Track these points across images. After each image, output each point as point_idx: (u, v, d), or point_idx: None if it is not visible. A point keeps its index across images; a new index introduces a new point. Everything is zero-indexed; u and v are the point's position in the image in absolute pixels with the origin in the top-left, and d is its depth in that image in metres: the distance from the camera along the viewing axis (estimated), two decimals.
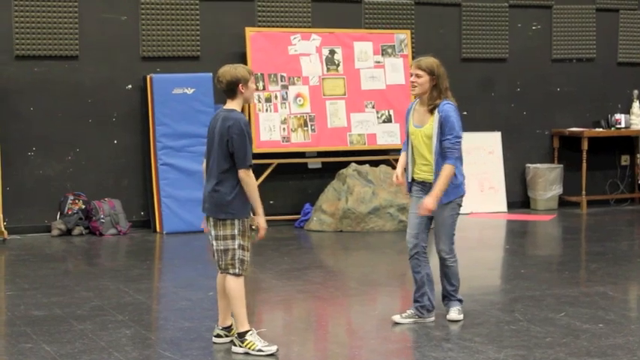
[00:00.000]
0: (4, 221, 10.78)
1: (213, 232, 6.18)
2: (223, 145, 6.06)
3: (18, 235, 10.91)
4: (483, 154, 12.92)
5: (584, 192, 13.01)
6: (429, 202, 6.59)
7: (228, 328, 6.35)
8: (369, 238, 10.94)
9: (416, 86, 6.73)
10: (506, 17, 13.11)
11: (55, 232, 10.97)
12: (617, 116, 13.33)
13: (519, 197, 13.28)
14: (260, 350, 6.08)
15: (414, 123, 6.81)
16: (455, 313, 6.91)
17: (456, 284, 6.95)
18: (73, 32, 11.20)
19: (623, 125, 13.31)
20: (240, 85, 6.13)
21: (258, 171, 11.62)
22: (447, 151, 6.60)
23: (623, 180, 13.79)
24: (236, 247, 6.12)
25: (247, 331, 6.14)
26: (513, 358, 5.94)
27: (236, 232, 6.11)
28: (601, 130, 13.28)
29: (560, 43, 13.42)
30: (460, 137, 6.62)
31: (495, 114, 13.14)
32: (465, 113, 12.94)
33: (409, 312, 6.88)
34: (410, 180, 6.86)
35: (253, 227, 6.22)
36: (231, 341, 6.23)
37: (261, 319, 7.43)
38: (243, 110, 6.38)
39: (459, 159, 6.72)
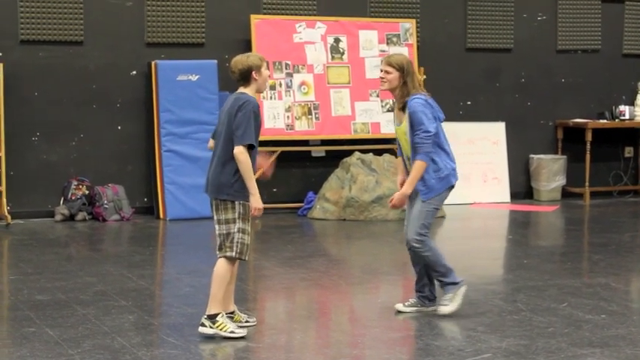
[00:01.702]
0: (7, 206, 10.80)
1: (215, 217, 6.19)
2: (231, 125, 6.08)
3: (21, 219, 10.92)
4: (487, 144, 12.91)
5: (587, 183, 13.00)
6: (397, 197, 6.63)
7: (231, 314, 6.36)
8: (372, 226, 10.95)
9: (385, 82, 6.69)
10: (512, 7, 13.09)
11: (58, 217, 10.98)
12: (622, 108, 13.32)
13: (523, 188, 13.28)
14: (232, 332, 6.12)
15: (395, 122, 6.81)
16: (444, 305, 6.72)
17: (441, 270, 6.72)
18: (78, 17, 11.19)
19: (627, 117, 13.30)
20: (254, 72, 6.17)
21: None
22: (416, 146, 6.55)
23: (627, 172, 13.78)
24: (236, 230, 6.12)
25: (218, 313, 6.16)
26: (515, 348, 5.94)
27: (236, 215, 6.12)
28: (605, 121, 13.27)
29: (566, 34, 13.40)
30: (429, 131, 6.52)
31: (500, 104, 13.13)
32: (469, 103, 12.96)
33: (411, 301, 6.89)
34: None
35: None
36: (201, 323, 6.20)
37: (264, 307, 7.45)
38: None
39: (444, 151, 6.66)
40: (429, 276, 6.87)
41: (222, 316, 6.18)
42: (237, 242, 6.13)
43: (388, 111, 12.11)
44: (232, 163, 6.09)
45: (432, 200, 6.66)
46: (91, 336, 6.16)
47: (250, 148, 6.07)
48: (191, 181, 11.14)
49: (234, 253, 6.14)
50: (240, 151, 6.03)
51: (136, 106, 11.49)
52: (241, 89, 6.23)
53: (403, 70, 6.63)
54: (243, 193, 6.12)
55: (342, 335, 6.49)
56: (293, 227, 10.92)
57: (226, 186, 6.11)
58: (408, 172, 6.76)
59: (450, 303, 6.75)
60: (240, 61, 6.20)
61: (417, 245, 6.69)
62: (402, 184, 6.80)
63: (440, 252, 6.78)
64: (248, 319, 6.46)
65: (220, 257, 6.21)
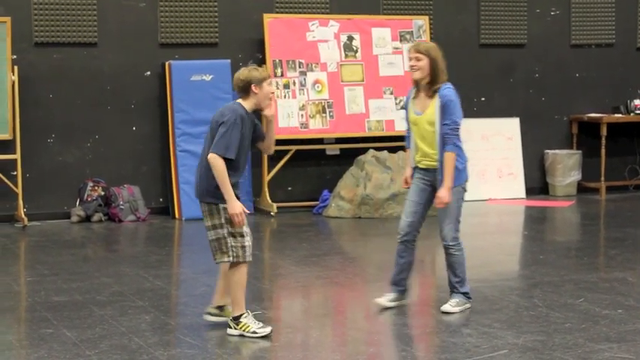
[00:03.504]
0: (23, 207, 10.84)
1: (204, 224, 6.24)
2: (213, 132, 6.15)
3: (38, 221, 10.97)
4: (502, 139, 12.89)
5: (603, 178, 12.96)
6: (444, 194, 6.57)
7: (221, 308, 6.42)
8: (387, 224, 10.94)
9: (416, 69, 6.64)
10: (525, 3, 13.06)
11: (74, 218, 11.02)
12: (637, 102, 13.27)
13: (538, 183, 13.25)
14: (254, 332, 6.16)
15: (415, 110, 6.72)
16: (450, 305, 6.73)
17: (461, 276, 6.75)
18: (92, 19, 11.23)
19: None
20: (253, 85, 6.18)
21: (276, 157, 11.67)
22: (445, 137, 6.55)
23: None
24: (227, 234, 6.16)
25: (242, 314, 6.20)
26: (532, 344, 5.94)
27: (223, 220, 6.15)
28: (620, 115, 13.23)
29: (579, 29, 13.36)
30: (459, 123, 6.55)
31: (514, 100, 13.11)
32: (483, 99, 12.94)
33: (392, 296, 6.90)
34: (413, 166, 6.83)
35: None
36: (228, 325, 6.26)
37: (280, 305, 7.46)
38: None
39: (459, 144, 6.67)
40: (409, 272, 6.88)
41: (246, 316, 6.20)
42: (232, 247, 6.16)
43: (402, 108, 12.11)
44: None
45: (456, 190, 6.63)
46: (108, 336, 6.18)
47: (226, 159, 6.04)
48: None
49: (231, 258, 6.17)
50: (212, 157, 6.06)
51: (151, 106, 11.52)
52: (239, 101, 6.26)
53: (431, 56, 6.61)
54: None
55: (359, 333, 6.49)
56: (308, 225, 10.92)
57: (211, 190, 6.15)
58: (411, 160, 6.74)
59: (455, 307, 6.74)
60: (241, 73, 6.25)
61: (451, 243, 6.70)
62: (409, 178, 6.80)
63: (465, 257, 6.82)
64: None
65: (219, 263, 6.26)
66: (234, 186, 6.15)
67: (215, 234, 6.18)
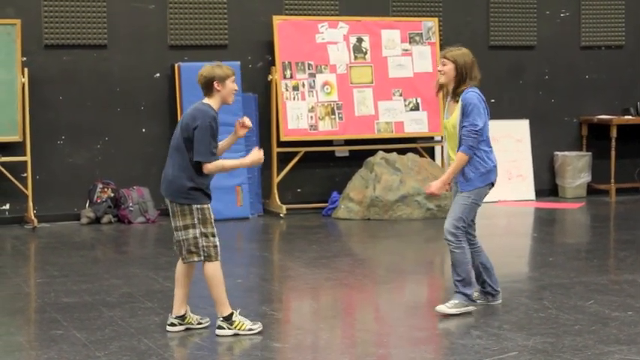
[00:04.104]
0: (33, 209, 10.86)
1: (173, 224, 6.31)
2: (184, 133, 6.21)
3: (47, 223, 10.98)
4: (511, 141, 12.87)
5: (613, 180, 12.93)
6: (435, 185, 6.71)
7: (182, 317, 6.40)
8: (396, 226, 10.94)
9: (442, 74, 6.80)
10: (535, 4, 13.04)
11: (84, 220, 11.03)
12: None
13: (547, 185, 13.23)
14: (250, 329, 6.22)
15: (446, 115, 6.88)
16: (445, 306, 6.69)
17: (462, 275, 6.70)
18: (102, 21, 11.25)
19: None
20: (216, 82, 6.25)
21: (285, 159, 11.67)
22: (462, 138, 6.63)
23: None
24: (198, 235, 6.22)
25: (232, 313, 6.24)
26: (542, 346, 5.93)
27: (195, 220, 6.21)
28: (630, 117, 13.19)
29: (589, 30, 13.33)
30: (476, 126, 6.58)
31: (523, 101, 13.09)
32: (493, 101, 12.90)
33: (476, 294, 6.93)
34: None
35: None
36: (218, 326, 6.27)
37: (290, 307, 7.46)
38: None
39: (490, 147, 6.69)
40: (486, 271, 6.88)
41: (237, 315, 6.26)
42: (202, 247, 6.23)
43: (411, 110, 12.11)
44: (188, 170, 6.18)
45: (470, 193, 6.66)
46: (118, 338, 6.20)
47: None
48: (214, 182, 10.90)
49: (202, 258, 6.23)
50: (207, 168, 6.17)
51: (160, 108, 11.53)
52: (205, 100, 6.32)
53: (457, 62, 6.72)
54: (200, 197, 6.22)
55: (368, 334, 6.49)
56: (317, 227, 10.92)
57: (183, 191, 6.20)
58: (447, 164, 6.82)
59: (451, 308, 6.69)
60: (205, 69, 6.31)
61: (450, 238, 6.70)
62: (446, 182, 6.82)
63: (470, 259, 6.75)
64: (200, 321, 6.47)
65: (186, 263, 6.30)
66: (207, 187, 6.26)
67: (185, 234, 6.24)
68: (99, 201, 11.11)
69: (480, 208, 6.84)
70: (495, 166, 6.75)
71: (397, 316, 6.78)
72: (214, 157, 6.19)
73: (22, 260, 9.29)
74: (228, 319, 6.25)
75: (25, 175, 10.88)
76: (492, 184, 6.79)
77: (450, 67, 6.74)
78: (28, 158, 10.79)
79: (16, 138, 10.76)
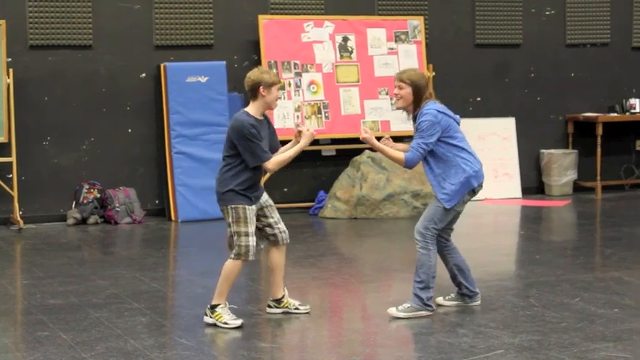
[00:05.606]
0: (19, 210, 10.83)
1: None
2: (226, 142, 6.49)
3: (33, 224, 10.95)
4: (498, 139, 12.90)
5: (598, 177, 12.97)
6: (370, 134, 6.69)
7: (279, 301, 6.77)
8: (383, 224, 10.95)
9: (399, 98, 6.73)
10: (520, 2, 13.07)
11: (70, 220, 11.01)
12: (632, 101, 13.28)
13: (534, 183, 13.26)
14: (226, 323, 6.41)
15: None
16: (395, 308, 6.67)
17: (422, 277, 6.62)
18: (87, 21, 11.22)
19: (637, 110, 13.26)
20: (262, 87, 6.44)
21: None
22: (411, 147, 6.61)
23: (638, 165, 13.75)
24: (233, 233, 6.47)
25: (219, 305, 6.47)
26: (528, 344, 5.94)
27: (231, 219, 6.47)
28: (616, 115, 13.24)
29: (574, 28, 13.37)
30: (423, 143, 6.53)
31: (509, 100, 13.11)
32: (479, 99, 12.95)
33: (452, 295, 6.96)
34: None
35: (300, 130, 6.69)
36: (205, 312, 6.56)
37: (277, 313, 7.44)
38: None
39: (467, 152, 6.62)
40: (461, 273, 6.86)
41: (222, 307, 6.47)
42: (236, 245, 6.47)
43: (398, 109, 12.09)
44: (226, 174, 6.47)
45: (438, 202, 6.65)
46: (104, 339, 6.18)
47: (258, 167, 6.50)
48: (202, 182, 11.16)
49: (232, 255, 6.49)
50: (268, 169, 6.52)
51: (146, 108, 11.51)
52: (250, 105, 6.54)
53: (414, 85, 6.65)
54: (234, 199, 6.45)
55: (355, 334, 6.49)
56: (304, 227, 10.92)
57: (220, 194, 6.51)
58: (430, 183, 6.75)
59: (402, 312, 6.64)
60: (253, 73, 6.54)
61: (418, 237, 6.67)
62: (393, 150, 6.75)
63: (434, 264, 6.65)
64: (298, 307, 6.81)
65: (272, 247, 6.73)
66: (255, 184, 6.54)
67: (229, 232, 6.51)
68: (85, 202, 11.08)
69: (466, 206, 6.81)
70: (476, 172, 6.65)
71: (384, 315, 6.77)
72: (268, 156, 6.46)
73: (8, 262, 9.26)
74: (212, 307, 6.49)
75: (10, 176, 10.85)
76: (474, 191, 6.71)
77: (407, 91, 6.66)
78: (13, 159, 10.76)
79: (1, 139, 10.72)
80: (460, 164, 6.61)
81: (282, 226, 6.74)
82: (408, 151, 6.63)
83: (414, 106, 6.69)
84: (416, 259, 6.70)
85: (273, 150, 6.66)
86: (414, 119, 6.72)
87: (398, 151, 6.69)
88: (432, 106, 6.63)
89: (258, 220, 6.62)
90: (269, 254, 6.77)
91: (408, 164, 6.61)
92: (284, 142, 6.01)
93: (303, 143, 6.63)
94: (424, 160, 6.64)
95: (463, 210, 6.78)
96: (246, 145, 6.38)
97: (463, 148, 6.65)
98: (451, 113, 6.71)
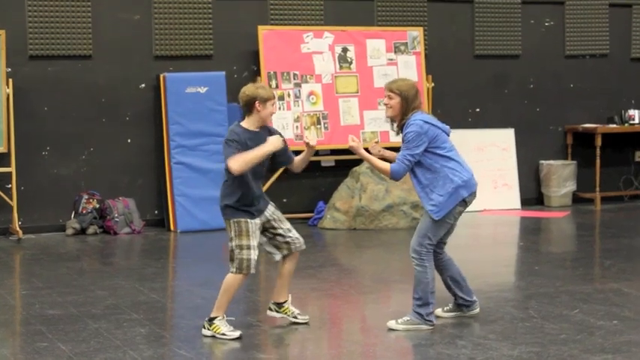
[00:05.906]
0: (18, 220, 10.83)
1: None
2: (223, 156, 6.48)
3: (33, 234, 10.95)
4: (497, 150, 12.90)
5: (598, 188, 12.98)
6: (357, 143, 6.83)
7: (279, 305, 6.78)
8: (382, 235, 10.95)
9: (389, 108, 6.74)
10: (519, 13, 13.09)
11: (69, 231, 11.00)
12: (631, 112, 13.29)
13: (533, 194, 13.26)
14: (224, 334, 6.40)
15: None
16: (395, 321, 6.66)
17: (420, 294, 6.60)
18: (87, 32, 11.23)
19: (636, 121, 13.26)
20: (257, 102, 6.42)
21: (271, 169, 11.60)
22: (397, 159, 6.62)
23: (638, 176, 13.75)
24: (234, 247, 6.45)
25: (217, 317, 6.47)
26: (527, 355, 5.94)
27: (232, 233, 6.46)
28: (615, 126, 13.24)
29: (574, 39, 13.39)
30: (409, 154, 6.55)
31: (509, 111, 13.12)
32: (478, 110, 12.96)
33: (450, 306, 6.95)
34: None
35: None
36: (204, 325, 6.55)
37: (275, 318, 7.43)
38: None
39: (455, 162, 6.61)
40: (455, 284, 6.85)
41: (220, 320, 6.46)
42: (236, 258, 6.44)
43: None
44: (224, 189, 6.46)
45: (428, 214, 6.64)
46: (103, 350, 6.18)
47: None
48: (201, 193, 11.16)
49: (234, 269, 6.45)
50: (232, 168, 6.28)
51: (146, 118, 11.51)
52: (245, 119, 6.51)
53: (403, 95, 6.65)
54: (234, 213, 6.45)
55: (354, 345, 6.48)
56: (303, 237, 10.82)
57: (221, 208, 6.52)
58: (418, 195, 6.75)
59: (400, 325, 6.62)
60: (248, 88, 6.52)
61: (413, 255, 6.65)
62: (381, 156, 6.84)
63: (432, 279, 6.61)
64: (297, 316, 6.80)
65: (284, 256, 6.73)
66: (254, 199, 6.47)
67: (230, 246, 6.49)
68: (84, 212, 11.08)
69: (465, 217, 6.81)
70: (466, 181, 6.62)
71: (384, 326, 6.77)
72: (233, 154, 6.30)
73: (7, 272, 9.25)
74: (210, 320, 6.48)
75: (9, 186, 10.85)
76: (465, 201, 6.68)
77: (396, 101, 6.66)
78: (12, 169, 10.76)
79: (0, 149, 10.73)
80: (448, 175, 6.59)
81: (294, 233, 6.74)
82: (395, 162, 6.63)
83: (401, 117, 6.69)
84: (414, 276, 6.68)
85: (284, 163, 6.74)
86: (401, 129, 6.71)
87: (385, 161, 6.71)
88: (419, 117, 6.62)
89: (266, 231, 6.60)
90: (282, 263, 6.81)
91: (394, 175, 6.61)
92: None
93: (268, 147, 6.45)
94: (411, 171, 6.63)
95: (456, 222, 6.76)
96: (223, 150, 6.37)
97: (451, 158, 6.62)
98: (439, 124, 6.69)
